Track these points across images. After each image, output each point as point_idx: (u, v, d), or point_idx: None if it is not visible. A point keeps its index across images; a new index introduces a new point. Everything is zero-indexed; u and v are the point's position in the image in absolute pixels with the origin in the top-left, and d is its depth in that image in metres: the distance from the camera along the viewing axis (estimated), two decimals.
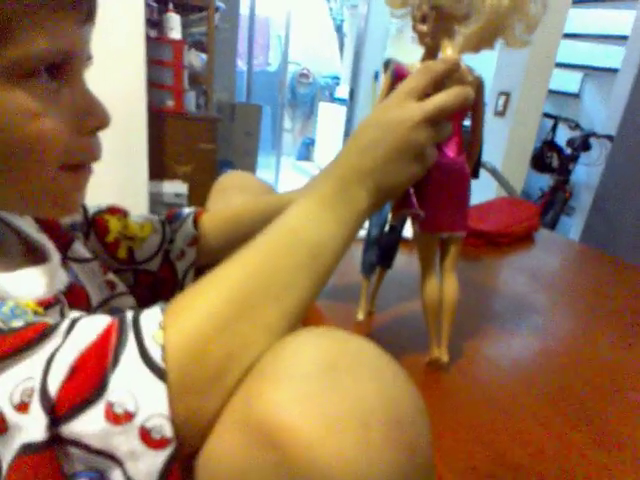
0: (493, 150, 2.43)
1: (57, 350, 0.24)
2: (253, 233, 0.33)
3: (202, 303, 0.28)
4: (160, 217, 0.55)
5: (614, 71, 2.70)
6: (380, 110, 0.36)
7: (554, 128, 2.92)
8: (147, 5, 1.85)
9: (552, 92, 2.98)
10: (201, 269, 0.55)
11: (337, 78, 5.60)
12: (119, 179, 1.69)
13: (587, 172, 2.72)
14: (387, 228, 0.52)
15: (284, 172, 4.39)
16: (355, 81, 3.99)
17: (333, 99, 5.20)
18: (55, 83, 0.29)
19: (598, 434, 0.42)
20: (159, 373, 0.24)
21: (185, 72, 2.05)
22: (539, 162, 2.76)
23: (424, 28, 0.40)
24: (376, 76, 3.72)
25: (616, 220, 2.35)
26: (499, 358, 0.54)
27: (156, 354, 0.24)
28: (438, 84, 0.36)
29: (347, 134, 4.06)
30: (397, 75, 0.41)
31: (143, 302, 0.51)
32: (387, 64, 0.42)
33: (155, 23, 2.00)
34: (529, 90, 2.33)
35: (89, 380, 0.24)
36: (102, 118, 0.33)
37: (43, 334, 0.25)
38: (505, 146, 2.41)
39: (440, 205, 0.42)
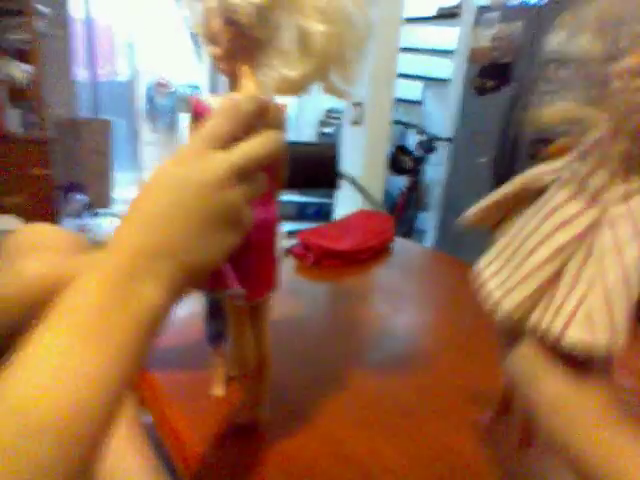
0: (353, 157, 2.55)
1: None
2: None
3: None
4: None
5: (447, 81, 3.04)
6: (172, 165, 0.26)
7: (404, 133, 3.19)
8: None
9: (400, 100, 3.25)
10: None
11: (197, 87, 5.39)
12: None
13: (435, 171, 3.02)
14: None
15: None
16: (215, 90, 3.87)
17: None
18: None
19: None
20: None
21: (3, 86, 1.74)
22: (395, 165, 2.99)
23: (216, 50, 0.33)
24: None
25: (462, 212, 2.65)
26: (342, 401, 0.53)
27: None
28: (246, 127, 0.29)
29: None
30: (198, 115, 0.33)
31: None
32: (188, 102, 0.35)
33: None
34: (378, 99, 2.49)
35: None
36: None
37: None
38: (364, 152, 2.54)
39: (262, 269, 0.36)
